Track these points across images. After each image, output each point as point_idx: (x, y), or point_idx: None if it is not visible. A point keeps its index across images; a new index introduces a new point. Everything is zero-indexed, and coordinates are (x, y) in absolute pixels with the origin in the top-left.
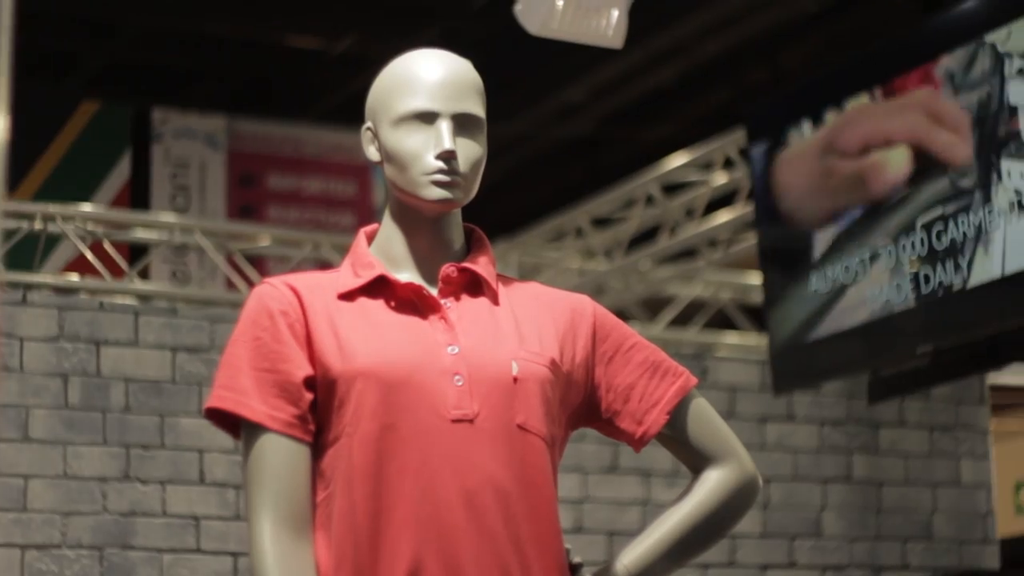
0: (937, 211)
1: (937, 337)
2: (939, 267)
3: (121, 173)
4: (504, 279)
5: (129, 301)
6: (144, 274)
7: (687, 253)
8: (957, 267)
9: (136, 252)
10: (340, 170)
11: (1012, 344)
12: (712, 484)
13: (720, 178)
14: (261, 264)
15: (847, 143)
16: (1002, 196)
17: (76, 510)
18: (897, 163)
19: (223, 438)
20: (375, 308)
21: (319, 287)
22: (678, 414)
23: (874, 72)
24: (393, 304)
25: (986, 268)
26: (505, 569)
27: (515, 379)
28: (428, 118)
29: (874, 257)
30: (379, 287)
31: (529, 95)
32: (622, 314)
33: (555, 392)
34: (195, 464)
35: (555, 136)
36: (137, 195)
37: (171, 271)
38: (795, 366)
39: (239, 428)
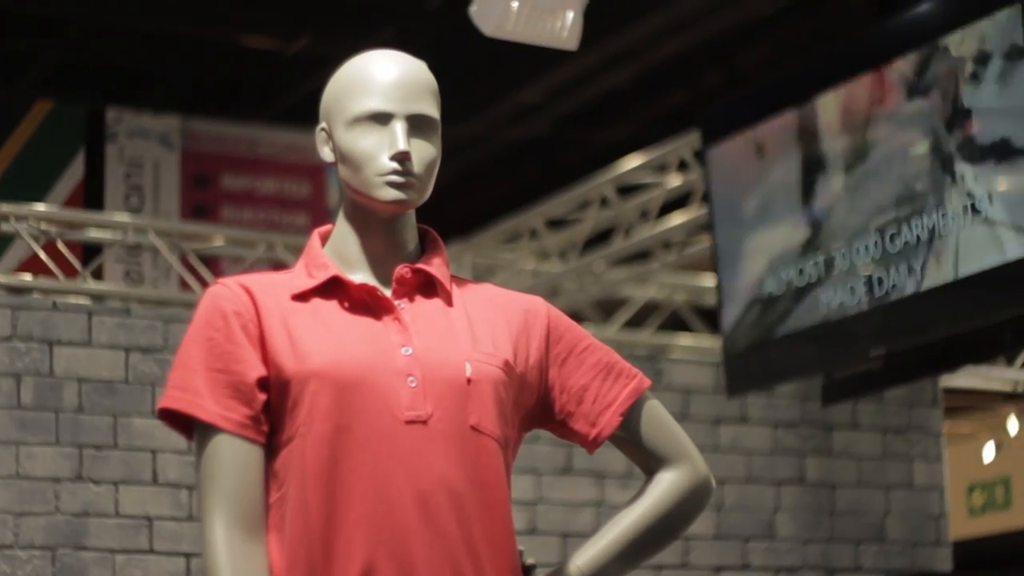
0: (891, 214)
1: (890, 340)
2: (892, 270)
3: (75, 173)
4: (458, 280)
5: (82, 301)
6: (97, 274)
7: (641, 255)
8: (911, 270)
9: (90, 252)
10: (294, 170)
11: (965, 347)
12: (665, 486)
13: (674, 180)
14: (215, 264)
15: None
16: (956, 200)
17: (28, 510)
18: None
19: (176, 438)
20: (329, 309)
21: (273, 288)
22: (631, 416)
23: (829, 75)
24: (347, 305)
25: (939, 271)
26: (458, 570)
27: (469, 380)
28: (382, 119)
29: (828, 260)
30: (333, 288)
31: (483, 96)
32: (576, 316)
33: (508, 393)
34: (148, 464)
35: (510, 137)
36: (91, 195)
37: (125, 271)
38: (749, 368)
39: (192, 429)
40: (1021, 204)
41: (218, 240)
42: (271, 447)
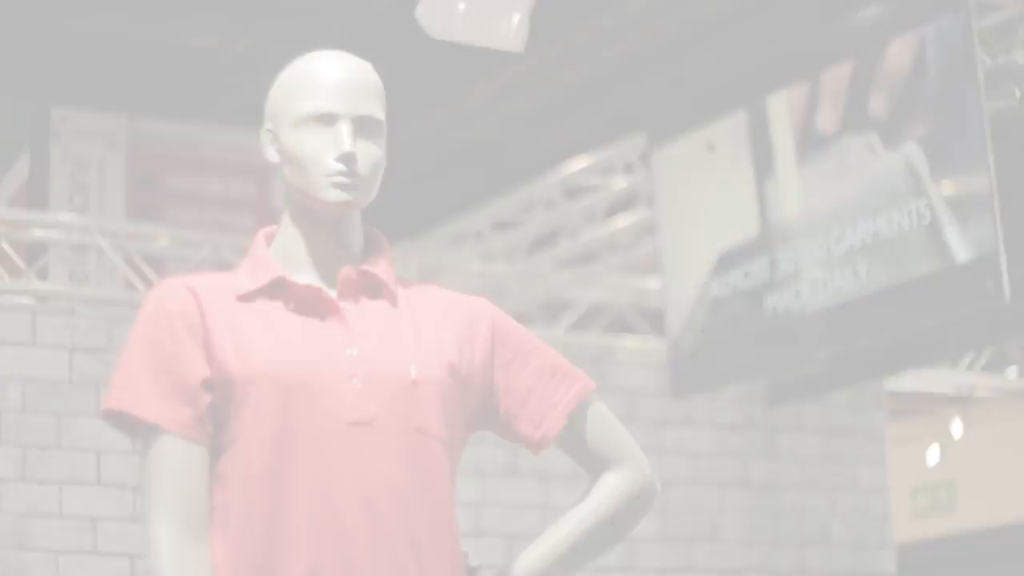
0: (837, 217)
1: (835, 342)
2: (838, 272)
3: (19, 172)
4: (403, 282)
5: (26, 301)
6: (42, 274)
7: (587, 257)
8: (855, 273)
9: (34, 251)
10: (240, 171)
11: (909, 350)
12: (610, 488)
13: (620, 182)
14: (160, 265)
15: None
16: (902, 203)
17: None
18: None
19: (121, 439)
20: (274, 310)
21: (218, 288)
22: (576, 418)
23: (774, 78)
24: (292, 306)
25: (885, 274)
26: (402, 571)
27: (413, 382)
28: (328, 120)
29: (774, 262)
30: (278, 289)
31: (429, 97)
32: (522, 317)
33: (453, 395)
34: (92, 465)
35: (455, 139)
36: (36, 194)
37: (69, 271)
38: (694, 370)
39: (136, 429)
40: (966, 208)
41: (163, 240)
42: (215, 448)
